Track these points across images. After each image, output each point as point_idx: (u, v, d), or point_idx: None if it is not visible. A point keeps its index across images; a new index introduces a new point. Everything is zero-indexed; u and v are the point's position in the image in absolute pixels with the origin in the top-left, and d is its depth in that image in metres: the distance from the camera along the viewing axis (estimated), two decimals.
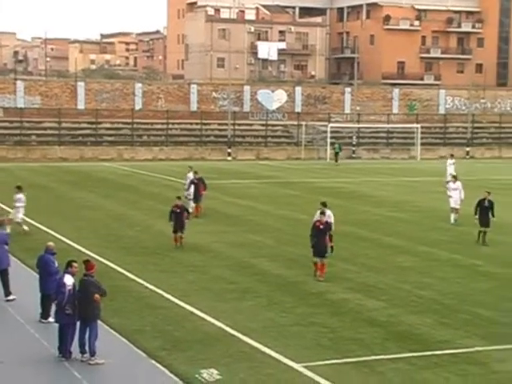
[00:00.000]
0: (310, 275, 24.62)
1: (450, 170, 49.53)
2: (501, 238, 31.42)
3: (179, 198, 29.97)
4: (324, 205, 25.57)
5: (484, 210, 30.49)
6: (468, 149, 79.20)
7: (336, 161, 69.08)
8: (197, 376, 15.75)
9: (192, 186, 36.72)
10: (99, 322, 17.00)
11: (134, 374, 16.08)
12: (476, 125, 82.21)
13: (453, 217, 34.76)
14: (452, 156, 53.98)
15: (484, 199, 30.70)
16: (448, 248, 29.47)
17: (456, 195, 34.73)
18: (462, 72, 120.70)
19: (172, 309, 20.79)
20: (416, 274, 25.17)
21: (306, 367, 16.31)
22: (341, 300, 21.87)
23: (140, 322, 19.41)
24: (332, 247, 24.24)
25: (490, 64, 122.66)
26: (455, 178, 36.38)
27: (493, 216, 30.52)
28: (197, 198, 36.47)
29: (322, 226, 24.06)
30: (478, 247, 29.93)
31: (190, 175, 38.06)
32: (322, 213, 24.45)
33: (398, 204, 42.25)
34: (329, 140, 72.14)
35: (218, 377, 15.76)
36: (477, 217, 30.57)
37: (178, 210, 28.97)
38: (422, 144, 76.24)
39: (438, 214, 38.13)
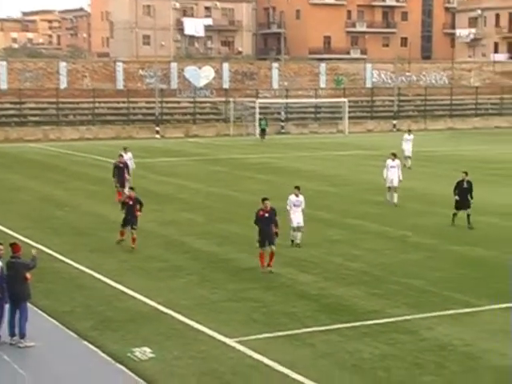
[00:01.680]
0: (242, 251, 24.69)
1: (407, 146, 46.28)
2: (430, 209, 31.96)
3: (132, 188, 26.90)
4: (298, 189, 25.19)
5: (463, 191, 28.74)
6: (395, 122, 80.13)
7: (262, 137, 67.67)
8: (129, 355, 15.69)
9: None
10: (29, 304, 16.78)
11: (66, 355, 15.93)
12: (402, 98, 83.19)
13: (395, 196, 32.81)
14: (410, 132, 48.68)
15: (462, 180, 28.94)
16: (377, 220, 29.83)
17: (394, 174, 32.91)
18: (387, 46, 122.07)
19: (103, 289, 20.65)
20: (346, 246, 25.45)
21: (238, 342, 16.39)
22: (272, 275, 21.98)
23: (70, 303, 19.24)
24: (277, 233, 22.49)
25: (414, 37, 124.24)
26: (395, 155, 33.97)
27: (471, 198, 28.75)
28: (122, 182, 33.97)
29: (266, 215, 22.27)
30: (406, 218, 30.36)
31: (126, 156, 36.78)
32: (265, 199, 22.48)
33: (327, 178, 42.56)
34: (257, 116, 72.18)
35: (151, 355, 15.73)
36: (457, 198, 28.77)
37: (131, 203, 25.54)
38: (350, 118, 76.82)
39: (368, 186, 38.55)
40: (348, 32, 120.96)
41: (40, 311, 18.41)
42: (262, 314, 18.35)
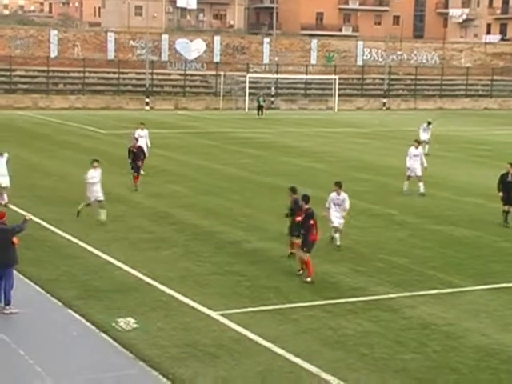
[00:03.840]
0: (227, 224, 24.75)
1: (424, 136, 42.35)
2: (415, 188, 32.05)
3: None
4: (339, 185, 22.54)
5: (507, 185, 25.88)
6: (385, 100, 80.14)
7: (259, 113, 66.37)
8: (113, 325, 15.75)
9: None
10: (14, 271, 16.81)
11: (50, 323, 15.99)
12: (392, 76, 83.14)
13: (421, 186, 30.83)
14: (429, 124, 43.91)
15: (507, 173, 25.94)
16: (364, 198, 29.89)
17: (416, 162, 30.93)
18: (379, 24, 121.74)
19: (89, 258, 20.68)
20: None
21: (222, 315, 16.48)
22: (258, 249, 22.06)
23: (56, 272, 19.27)
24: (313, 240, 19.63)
25: (406, 16, 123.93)
26: (418, 142, 32.12)
27: None
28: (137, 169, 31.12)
29: (299, 218, 19.71)
30: (393, 197, 30.45)
31: (140, 132, 34.91)
32: (304, 199, 19.83)
33: (316, 154, 42.60)
34: (248, 90, 72.00)
35: (135, 325, 15.80)
36: (501, 194, 26.08)
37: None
38: (340, 95, 76.77)
39: (356, 164, 38.63)
40: (340, 9, 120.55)
41: (25, 279, 18.45)
42: (246, 288, 18.43)
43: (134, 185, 30.55)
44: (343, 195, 22.44)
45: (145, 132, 35.43)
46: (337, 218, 22.36)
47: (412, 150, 31.21)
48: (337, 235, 22.47)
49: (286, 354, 14.59)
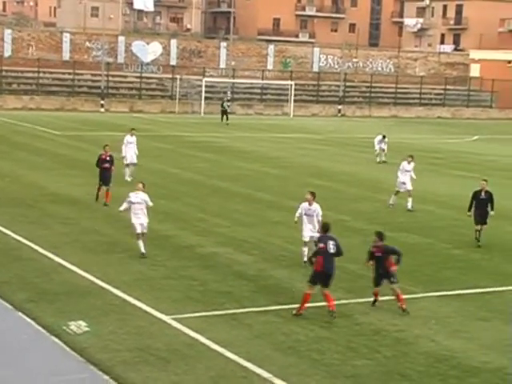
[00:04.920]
0: (182, 229, 24.73)
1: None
2: (369, 195, 32.31)
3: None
4: (312, 194, 21.11)
5: (481, 203, 24.85)
6: (340, 107, 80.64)
7: (222, 119, 64.69)
8: (65, 328, 15.62)
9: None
10: None
11: (0, 326, 15.80)
12: (348, 84, 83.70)
13: (410, 201, 29.83)
14: (384, 137, 43.37)
15: (481, 191, 24.92)
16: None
17: (407, 177, 30.00)
18: (335, 31, 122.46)
19: (40, 261, 20.48)
20: (286, 228, 25.51)
21: (175, 319, 16.44)
22: (211, 254, 22.05)
23: (6, 274, 19.05)
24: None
25: (362, 24, 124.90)
26: (412, 157, 30.84)
27: (492, 209, 24.92)
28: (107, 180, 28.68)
29: (379, 254, 18.06)
30: (345, 203, 30.63)
31: (129, 138, 33.51)
32: (379, 236, 18.29)
33: (270, 160, 42.71)
34: (203, 94, 71.94)
35: (86, 329, 15.68)
36: (470, 213, 25.00)
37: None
38: (296, 101, 77.08)
39: (309, 170, 38.81)
40: (297, 15, 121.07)
41: None
42: (199, 293, 18.40)
43: (105, 199, 27.75)
44: (314, 205, 20.98)
45: (133, 138, 33.58)
46: (306, 230, 20.98)
47: (405, 165, 30.24)
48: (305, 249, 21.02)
49: (239, 359, 14.59)
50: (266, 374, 13.98)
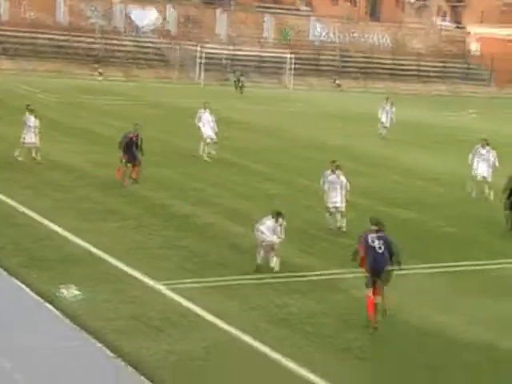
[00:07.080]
0: (177, 198, 24.70)
1: (383, 118, 42.97)
2: (365, 170, 32.22)
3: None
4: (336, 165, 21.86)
5: None
6: (337, 79, 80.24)
7: (239, 90, 65.80)
8: (58, 295, 15.62)
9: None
10: None
11: None
12: (345, 55, 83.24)
13: (492, 193, 27.14)
14: (392, 104, 43.76)
15: None
16: (312, 177, 29.82)
17: (484, 165, 27.63)
18: (336, 3, 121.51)
19: (35, 227, 20.45)
20: (283, 201, 25.32)
21: (169, 289, 16.46)
22: (207, 224, 22.04)
23: (1, 240, 19.02)
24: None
25: None
26: (486, 142, 28.19)
27: None
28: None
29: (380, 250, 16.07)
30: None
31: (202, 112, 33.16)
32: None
33: (267, 131, 42.55)
34: (198, 60, 71.48)
35: (81, 296, 15.71)
36: (504, 198, 23.71)
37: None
38: (294, 73, 76.57)
39: (305, 143, 38.69)
40: None
41: None
42: (194, 263, 18.41)
43: (132, 177, 26.19)
44: (341, 177, 22.27)
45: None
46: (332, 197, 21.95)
47: (479, 150, 27.98)
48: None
49: (232, 329, 14.65)
50: (258, 345, 14.02)
